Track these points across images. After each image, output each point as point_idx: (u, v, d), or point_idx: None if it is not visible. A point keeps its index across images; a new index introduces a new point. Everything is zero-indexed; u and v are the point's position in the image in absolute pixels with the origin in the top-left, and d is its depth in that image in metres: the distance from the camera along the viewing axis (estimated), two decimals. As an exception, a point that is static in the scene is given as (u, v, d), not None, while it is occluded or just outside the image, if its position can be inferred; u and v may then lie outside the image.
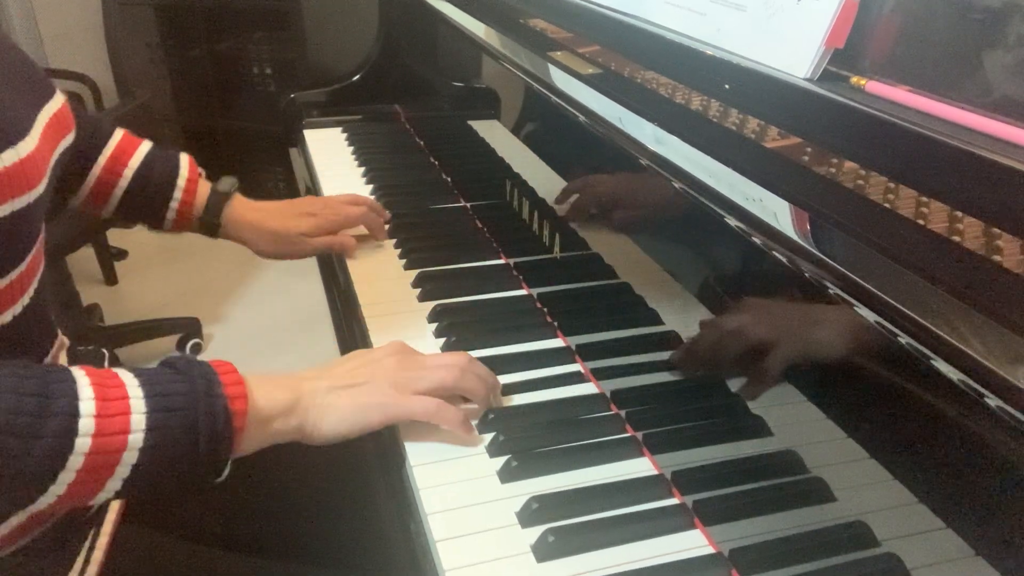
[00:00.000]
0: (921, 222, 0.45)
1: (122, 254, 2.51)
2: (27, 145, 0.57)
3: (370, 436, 0.66)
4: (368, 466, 0.85)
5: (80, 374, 0.51)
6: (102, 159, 0.86)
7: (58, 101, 0.66)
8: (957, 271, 0.41)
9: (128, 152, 0.87)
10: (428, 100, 1.35)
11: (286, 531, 0.79)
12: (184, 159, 0.90)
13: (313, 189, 1.20)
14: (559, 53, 0.86)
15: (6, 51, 0.63)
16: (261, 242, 0.91)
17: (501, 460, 0.62)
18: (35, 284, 0.61)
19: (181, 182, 0.88)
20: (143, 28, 2.62)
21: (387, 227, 1.00)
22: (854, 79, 0.57)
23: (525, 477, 0.61)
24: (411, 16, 1.34)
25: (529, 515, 0.57)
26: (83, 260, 2.32)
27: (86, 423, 0.48)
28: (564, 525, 0.56)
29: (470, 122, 1.11)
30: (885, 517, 0.44)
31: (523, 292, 0.86)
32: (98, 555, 0.67)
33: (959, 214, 0.45)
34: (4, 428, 0.45)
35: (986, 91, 0.49)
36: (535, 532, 0.56)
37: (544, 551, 0.54)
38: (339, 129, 1.37)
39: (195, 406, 0.52)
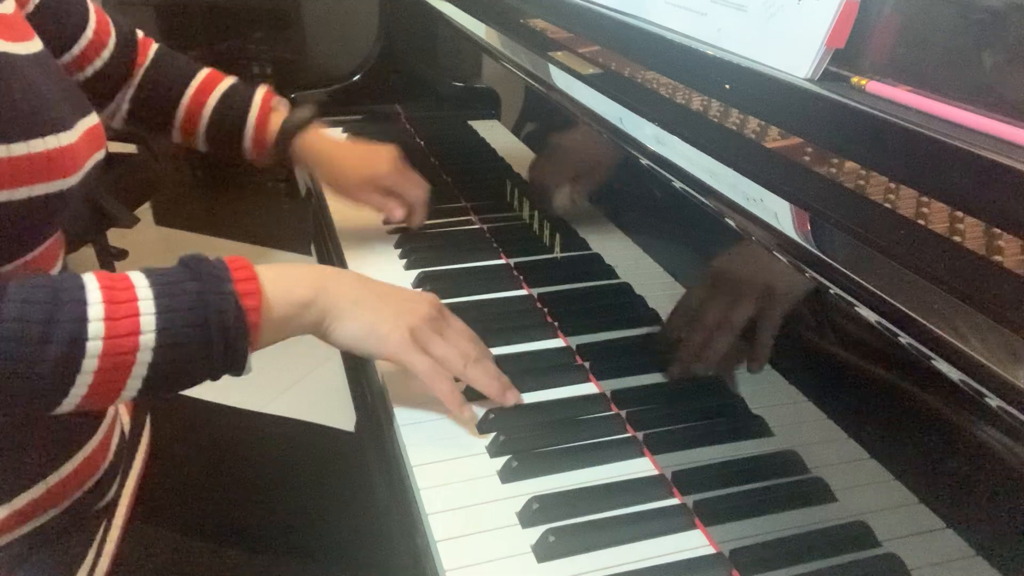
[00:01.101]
0: (921, 222, 0.45)
1: (122, 254, 2.50)
2: (68, 137, 0.60)
3: (370, 436, 0.67)
4: (368, 465, 0.85)
5: (90, 278, 0.53)
6: (187, 96, 0.91)
7: (94, 119, 0.69)
8: (957, 271, 0.41)
9: (212, 85, 0.92)
10: (428, 100, 1.34)
11: (289, 530, 0.79)
12: (260, 91, 0.93)
13: (313, 189, 1.20)
14: (559, 53, 0.86)
15: (52, 64, 0.66)
16: (325, 174, 0.94)
17: (501, 460, 0.62)
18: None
19: (254, 112, 0.92)
20: (143, 28, 2.61)
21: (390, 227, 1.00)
22: (854, 79, 0.57)
23: (525, 477, 0.61)
24: (411, 16, 1.34)
25: (530, 515, 0.57)
26: (83, 260, 2.32)
27: (95, 327, 0.50)
28: (565, 525, 0.56)
29: (470, 122, 1.11)
30: (885, 517, 0.44)
31: (523, 292, 0.86)
32: (109, 548, 0.68)
33: (959, 214, 0.45)
34: (15, 336, 0.48)
35: (986, 91, 0.49)
36: (536, 532, 0.56)
37: (545, 551, 0.54)
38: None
39: (205, 304, 0.53)
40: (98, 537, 0.68)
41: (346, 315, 0.62)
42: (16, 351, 0.48)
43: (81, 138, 0.63)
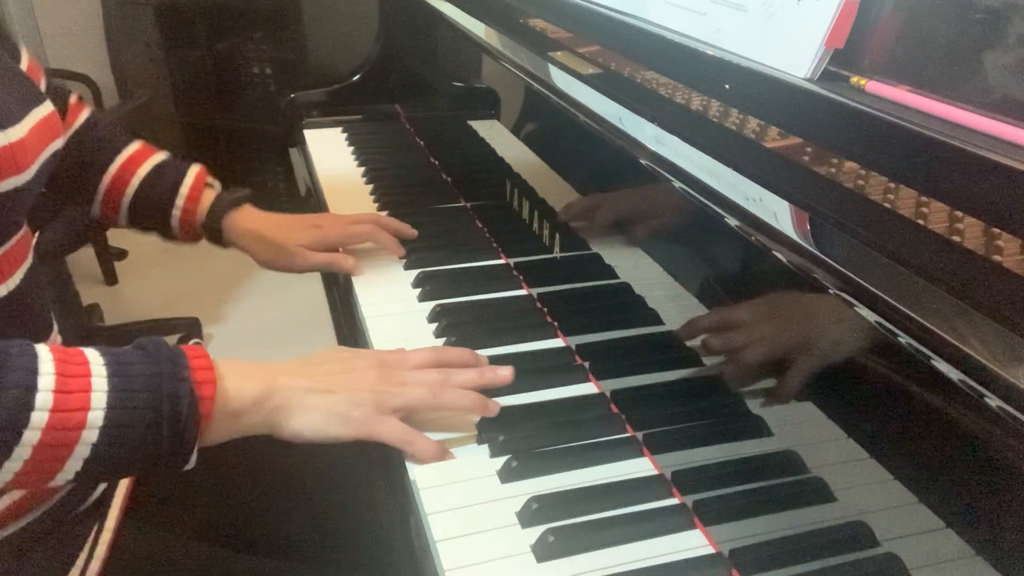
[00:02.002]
0: (921, 222, 0.45)
1: (122, 254, 2.51)
2: (16, 132, 0.58)
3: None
4: (369, 466, 0.85)
5: (43, 349, 0.50)
6: (114, 167, 0.88)
7: (48, 107, 0.67)
8: (957, 271, 0.41)
9: (139, 161, 0.89)
10: (428, 100, 1.34)
11: (286, 530, 0.79)
12: (194, 167, 0.90)
13: (313, 189, 1.20)
14: (559, 53, 0.86)
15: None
16: (262, 252, 0.90)
17: (501, 460, 0.62)
18: (17, 278, 0.62)
19: (185, 189, 0.89)
20: (143, 28, 2.62)
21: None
22: (854, 79, 0.57)
23: (525, 477, 0.61)
24: (411, 16, 1.34)
25: (529, 515, 0.57)
26: (83, 260, 2.33)
27: (43, 397, 0.47)
28: (564, 525, 0.56)
29: (470, 122, 1.11)
30: (885, 517, 0.44)
31: (523, 292, 0.86)
32: (101, 551, 0.67)
33: (959, 214, 0.45)
34: None
35: (986, 91, 0.49)
36: (535, 532, 0.56)
37: (544, 551, 0.54)
38: (339, 129, 1.37)
39: (159, 387, 0.51)
40: (89, 540, 0.67)
41: (301, 406, 0.60)
42: None
43: (32, 131, 0.61)
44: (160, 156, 0.91)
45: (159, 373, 0.52)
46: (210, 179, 0.92)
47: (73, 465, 0.50)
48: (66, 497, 0.67)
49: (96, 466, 0.50)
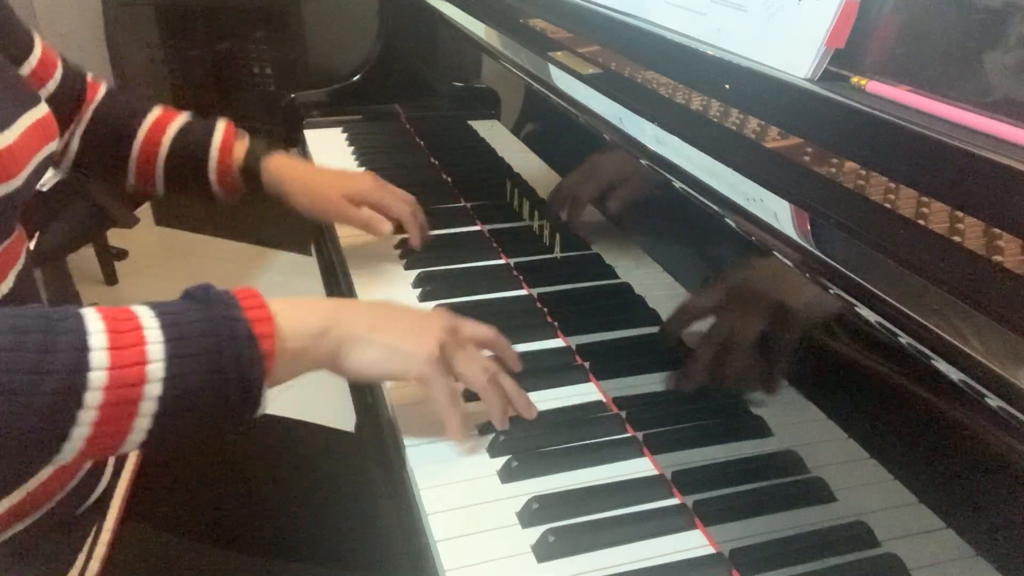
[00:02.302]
0: (921, 222, 0.45)
1: (122, 254, 2.51)
2: (5, 138, 0.58)
3: (370, 436, 0.66)
4: (368, 466, 0.85)
5: (88, 310, 0.49)
6: (142, 132, 0.87)
7: (43, 109, 0.67)
8: (957, 271, 0.41)
9: (165, 122, 0.89)
10: (428, 100, 1.34)
11: (286, 530, 0.79)
12: (221, 121, 0.90)
13: (313, 189, 1.20)
14: (559, 53, 0.86)
15: None
16: (302, 195, 0.87)
17: (501, 460, 0.62)
18: (10, 280, 0.62)
19: (217, 140, 0.88)
20: (143, 28, 2.62)
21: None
22: (854, 79, 0.57)
23: (525, 477, 0.61)
24: (411, 16, 1.34)
25: (530, 515, 0.57)
26: (83, 260, 2.32)
27: (98, 356, 0.45)
28: (564, 525, 0.56)
29: (470, 122, 1.11)
30: (885, 517, 0.44)
31: (523, 292, 0.86)
32: (100, 551, 0.67)
33: (959, 214, 0.45)
34: (7, 366, 0.42)
35: (986, 91, 0.49)
36: (535, 532, 0.56)
37: (545, 551, 0.54)
38: (339, 129, 1.37)
39: (216, 332, 0.50)
40: (88, 540, 0.67)
41: (363, 341, 0.58)
42: (8, 383, 0.42)
43: (23, 135, 0.60)
44: (184, 116, 0.90)
45: (212, 317, 0.50)
46: (239, 131, 0.91)
47: (142, 423, 0.47)
48: (67, 498, 0.67)
49: (167, 421, 0.48)
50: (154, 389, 0.47)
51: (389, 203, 0.89)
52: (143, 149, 0.87)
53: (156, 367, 0.47)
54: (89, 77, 0.89)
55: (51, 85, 0.81)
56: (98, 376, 0.45)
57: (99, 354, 0.46)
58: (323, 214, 0.90)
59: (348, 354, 0.58)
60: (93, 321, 0.47)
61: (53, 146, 0.68)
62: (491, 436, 0.64)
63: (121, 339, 0.47)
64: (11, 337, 0.44)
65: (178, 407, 0.48)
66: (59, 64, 0.82)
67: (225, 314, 0.51)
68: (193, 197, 0.92)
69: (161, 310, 0.50)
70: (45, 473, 0.63)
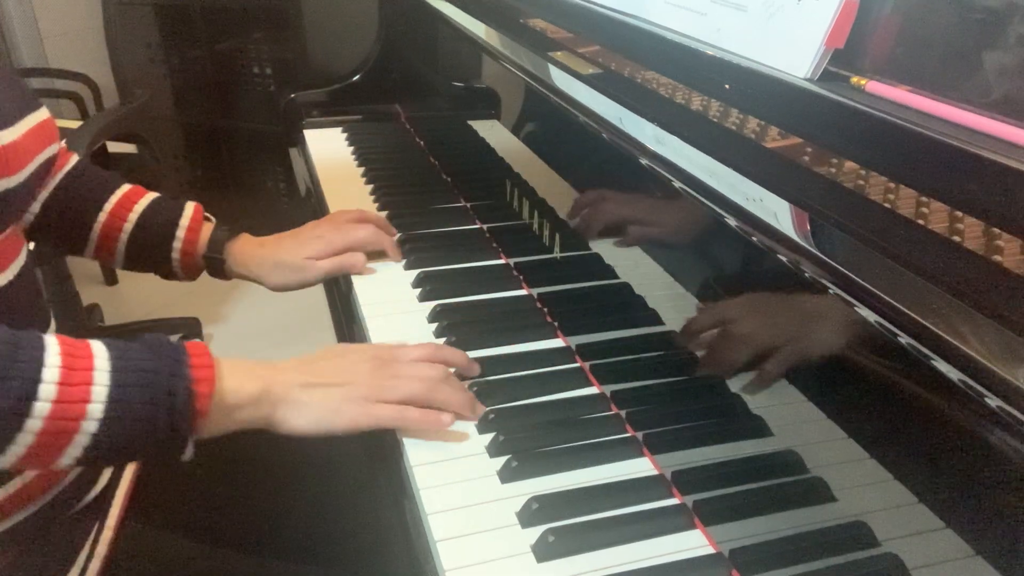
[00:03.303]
0: (921, 222, 0.45)
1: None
2: (10, 135, 0.60)
3: (371, 435, 0.66)
4: (368, 466, 0.85)
5: (52, 341, 0.53)
6: (108, 205, 0.86)
7: (44, 113, 0.68)
8: (957, 271, 0.41)
9: (134, 199, 0.87)
10: (428, 100, 1.34)
11: (286, 531, 0.79)
12: (190, 204, 0.89)
13: (313, 189, 1.20)
14: (559, 53, 0.86)
15: None
16: (270, 274, 0.88)
17: (501, 460, 0.62)
18: (9, 274, 0.63)
19: (184, 222, 0.87)
20: (143, 28, 2.62)
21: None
22: (854, 79, 0.57)
23: (525, 477, 0.61)
24: (411, 16, 1.34)
25: (529, 515, 0.57)
26: (83, 260, 2.32)
27: (47, 389, 0.51)
28: (564, 525, 0.56)
29: (470, 122, 1.11)
30: (885, 517, 0.44)
31: (523, 292, 0.86)
32: (101, 549, 0.67)
33: (959, 214, 0.45)
34: None
35: (986, 91, 0.49)
36: (535, 532, 0.56)
37: (544, 551, 0.54)
38: (339, 129, 1.37)
39: (158, 383, 0.54)
40: (89, 539, 0.68)
41: (298, 402, 0.62)
42: None
43: (26, 135, 0.62)
44: (153, 194, 0.89)
45: (158, 370, 0.55)
46: (206, 213, 0.90)
47: (74, 451, 0.53)
48: (63, 494, 0.67)
49: (96, 452, 0.53)
50: (90, 426, 0.52)
51: (349, 244, 0.90)
52: (108, 223, 0.85)
53: (96, 407, 0.52)
54: (62, 144, 0.87)
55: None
56: (43, 406, 0.50)
57: (48, 387, 0.51)
58: (300, 284, 0.90)
59: (285, 415, 0.62)
60: (52, 355, 0.52)
61: (54, 148, 0.68)
62: (491, 436, 0.64)
63: (72, 376, 0.52)
64: None
65: (109, 443, 0.53)
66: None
67: (170, 369, 0.56)
68: (149, 272, 0.91)
69: (116, 354, 0.55)
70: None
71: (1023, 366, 0.34)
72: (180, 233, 0.86)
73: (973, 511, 0.39)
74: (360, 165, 1.22)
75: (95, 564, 0.66)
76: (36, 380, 0.51)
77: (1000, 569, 0.37)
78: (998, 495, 0.37)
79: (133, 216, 0.86)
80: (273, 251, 0.89)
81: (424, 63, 1.34)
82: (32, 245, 0.75)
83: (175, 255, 0.87)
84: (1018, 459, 0.35)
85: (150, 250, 0.87)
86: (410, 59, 1.39)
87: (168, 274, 0.90)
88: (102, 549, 0.68)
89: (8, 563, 0.64)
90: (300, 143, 1.35)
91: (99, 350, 0.55)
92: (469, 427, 0.66)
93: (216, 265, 0.88)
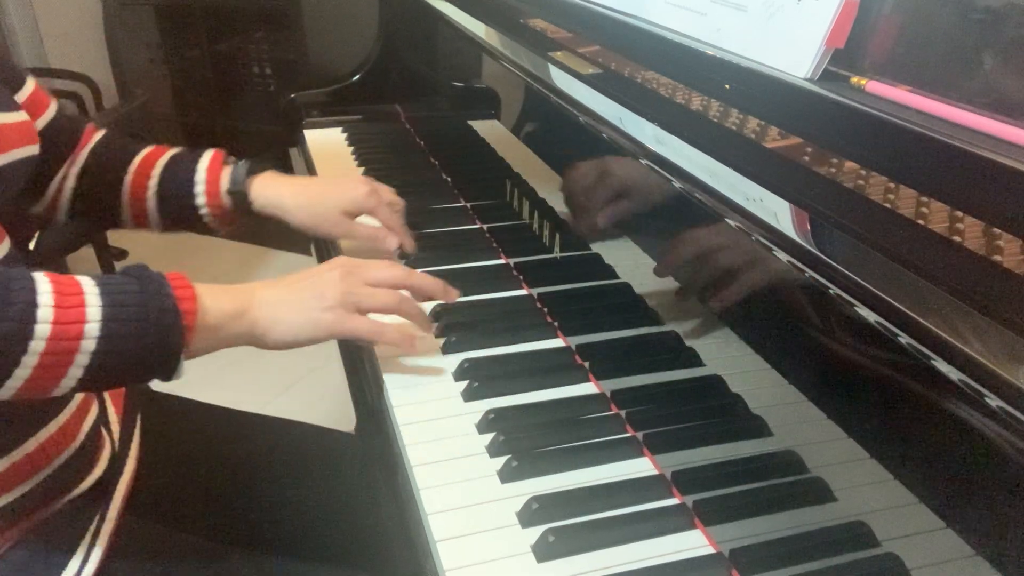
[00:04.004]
0: (921, 222, 0.45)
1: (122, 254, 2.51)
2: (4, 117, 0.65)
3: (370, 437, 0.67)
4: (368, 466, 0.85)
5: (39, 275, 0.57)
6: (132, 168, 0.87)
7: (21, 116, 0.71)
8: (957, 271, 0.41)
9: (154, 158, 0.88)
10: (428, 100, 1.35)
11: (286, 530, 0.79)
12: (209, 151, 0.88)
13: (313, 189, 1.19)
14: (559, 53, 0.86)
15: None
16: (302, 213, 0.86)
17: (501, 460, 0.62)
18: None
19: (203, 164, 0.86)
20: (143, 28, 2.62)
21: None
22: (854, 79, 0.57)
23: (525, 477, 0.61)
24: (411, 16, 1.34)
25: (529, 515, 0.57)
26: (83, 260, 2.32)
27: (44, 312, 0.54)
28: (564, 525, 0.56)
29: (470, 122, 1.11)
30: (885, 517, 0.44)
31: (523, 292, 0.86)
32: (103, 541, 0.68)
33: (959, 214, 0.45)
34: None
35: (986, 91, 0.49)
36: (535, 532, 0.56)
37: (544, 551, 0.54)
38: (339, 129, 1.37)
39: (145, 302, 0.58)
40: (91, 529, 0.68)
41: (277, 316, 0.66)
42: None
43: (13, 125, 0.67)
44: (174, 150, 0.89)
45: (144, 291, 0.59)
46: (229, 157, 0.89)
47: (75, 372, 0.56)
48: (61, 472, 0.67)
49: (96, 372, 0.57)
50: (89, 345, 0.55)
51: (384, 215, 0.89)
52: (134, 183, 0.86)
53: (93, 327, 0.56)
54: (89, 125, 0.89)
55: (40, 122, 0.81)
56: (43, 328, 0.54)
57: (45, 310, 0.54)
58: (326, 233, 0.88)
59: (266, 329, 0.66)
60: (42, 283, 0.56)
61: (33, 150, 0.71)
62: (491, 436, 0.64)
63: (65, 300, 0.56)
64: None
65: (107, 362, 0.57)
66: (52, 104, 0.83)
67: (157, 290, 0.59)
68: (190, 230, 0.90)
69: (102, 281, 0.59)
70: (43, 435, 0.66)
71: (1023, 366, 0.34)
72: (200, 176, 0.86)
73: (973, 511, 0.39)
74: (360, 165, 1.22)
75: (97, 552, 0.67)
76: (33, 304, 0.54)
77: (1000, 569, 0.37)
78: (998, 495, 0.37)
79: (156, 172, 0.86)
80: (307, 191, 0.88)
81: (424, 63, 1.34)
82: (32, 244, 0.76)
83: (200, 200, 0.86)
84: (1018, 459, 0.35)
85: (177, 203, 0.86)
86: (410, 59, 1.39)
87: (204, 228, 0.89)
88: (103, 541, 0.68)
89: (10, 546, 0.65)
90: (300, 143, 1.35)
91: (85, 280, 0.58)
92: (469, 426, 0.66)
93: (240, 200, 0.86)
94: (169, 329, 0.58)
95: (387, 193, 0.91)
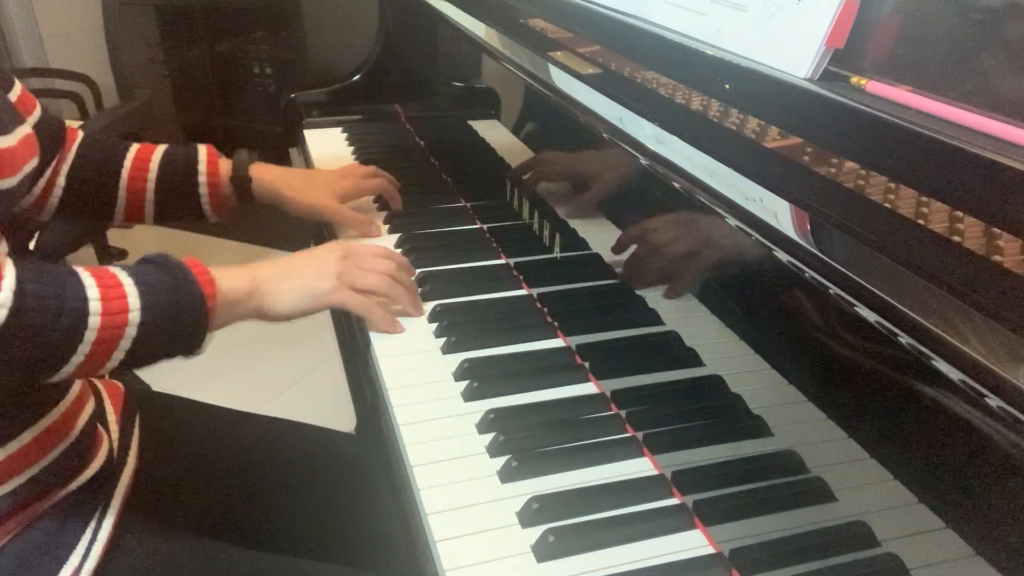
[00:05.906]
0: (921, 222, 0.45)
1: (122, 254, 2.50)
2: (7, 141, 0.68)
3: (370, 437, 0.67)
4: (368, 466, 0.85)
5: (83, 271, 0.64)
6: (127, 163, 0.90)
7: (29, 127, 0.74)
8: (957, 271, 0.41)
9: (147, 155, 0.91)
10: (428, 100, 1.35)
11: (286, 530, 0.79)
12: (203, 146, 0.94)
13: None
14: (559, 53, 0.86)
15: None
16: (299, 198, 0.95)
17: (501, 460, 0.62)
18: None
19: (203, 156, 0.92)
20: (143, 28, 2.62)
21: (385, 226, 1.00)
22: (854, 79, 0.57)
23: (525, 477, 0.61)
24: (411, 16, 1.34)
25: (529, 515, 0.57)
26: (83, 260, 2.32)
27: (94, 305, 0.61)
28: (564, 525, 0.56)
29: (470, 122, 1.11)
30: (885, 517, 0.44)
31: (523, 292, 0.86)
32: (102, 538, 0.68)
33: (959, 214, 0.45)
34: (35, 306, 0.58)
35: (986, 91, 0.49)
36: (535, 532, 0.56)
37: (544, 551, 0.54)
38: (339, 129, 1.37)
39: (177, 289, 0.66)
40: (91, 526, 0.68)
41: (280, 291, 0.74)
42: (36, 319, 0.57)
43: (19, 143, 0.70)
44: (163, 146, 0.93)
45: (174, 279, 0.66)
46: (220, 154, 0.95)
47: (119, 355, 0.63)
48: (58, 463, 0.68)
49: (138, 350, 0.64)
50: (132, 330, 0.63)
51: (363, 191, 1.01)
52: (131, 178, 0.90)
53: (135, 315, 0.63)
54: (68, 124, 0.91)
55: (31, 120, 0.82)
56: (95, 320, 0.61)
57: (95, 303, 0.61)
58: (321, 217, 0.98)
59: (272, 303, 0.74)
60: (87, 278, 0.63)
61: (35, 162, 0.74)
62: (491, 436, 0.64)
63: (109, 292, 0.63)
64: (37, 286, 0.58)
65: (147, 342, 0.64)
66: (37, 103, 0.86)
67: (183, 276, 0.67)
68: (182, 220, 0.96)
69: (133, 271, 0.66)
70: (39, 427, 0.67)
71: (1023, 366, 0.34)
72: (202, 168, 0.92)
73: (973, 511, 0.39)
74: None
75: (96, 549, 0.67)
76: (85, 298, 0.61)
77: (1000, 569, 0.37)
78: (998, 495, 0.37)
79: (153, 166, 0.91)
80: (303, 178, 0.97)
81: (424, 63, 1.34)
82: (32, 244, 0.77)
83: (202, 190, 0.92)
84: (1018, 459, 0.35)
85: (178, 194, 0.92)
86: (410, 59, 1.39)
87: (200, 215, 0.94)
88: (103, 538, 0.68)
89: (10, 538, 0.65)
90: (300, 143, 1.35)
91: (120, 273, 0.65)
92: (469, 426, 0.66)
93: (243, 186, 0.93)
94: (197, 311, 0.66)
95: (365, 172, 1.02)
